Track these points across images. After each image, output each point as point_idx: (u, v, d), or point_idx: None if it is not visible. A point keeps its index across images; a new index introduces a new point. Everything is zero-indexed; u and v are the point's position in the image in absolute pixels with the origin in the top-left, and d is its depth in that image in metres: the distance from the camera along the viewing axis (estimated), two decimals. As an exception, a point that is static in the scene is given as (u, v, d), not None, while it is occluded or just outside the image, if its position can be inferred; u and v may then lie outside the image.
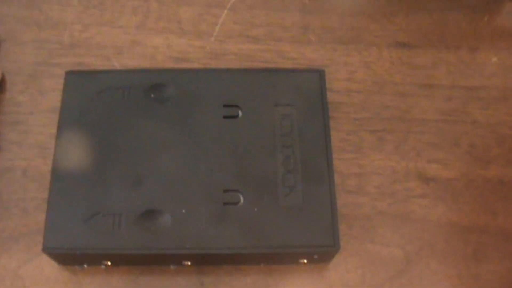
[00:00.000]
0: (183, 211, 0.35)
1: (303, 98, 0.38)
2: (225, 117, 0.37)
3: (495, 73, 0.43)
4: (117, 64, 0.42)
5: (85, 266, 0.36)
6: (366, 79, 0.42)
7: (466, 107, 0.42)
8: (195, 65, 0.42)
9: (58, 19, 0.44)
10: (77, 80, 0.38)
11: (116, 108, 0.38)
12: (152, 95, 0.38)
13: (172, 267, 0.36)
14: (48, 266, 0.36)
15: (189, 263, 0.36)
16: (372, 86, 0.42)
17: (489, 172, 0.40)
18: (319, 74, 0.39)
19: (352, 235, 0.38)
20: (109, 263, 0.36)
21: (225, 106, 0.38)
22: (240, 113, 0.38)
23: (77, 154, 0.36)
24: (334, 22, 0.44)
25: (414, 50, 0.43)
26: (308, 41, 0.43)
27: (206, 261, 0.36)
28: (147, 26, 0.44)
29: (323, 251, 0.35)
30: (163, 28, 0.44)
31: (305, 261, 0.36)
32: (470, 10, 0.45)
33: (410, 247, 0.38)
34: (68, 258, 0.35)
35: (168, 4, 0.44)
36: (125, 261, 0.36)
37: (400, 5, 0.45)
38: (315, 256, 0.36)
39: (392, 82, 0.42)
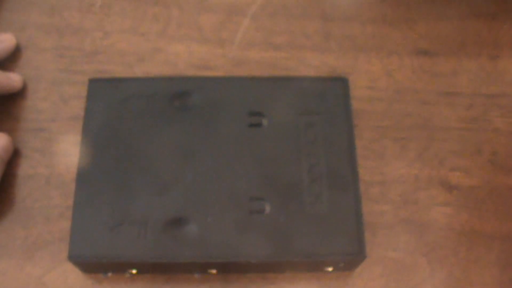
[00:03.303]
0: (209, 219, 0.35)
1: (327, 106, 0.38)
2: (249, 125, 0.37)
3: (516, 81, 0.43)
4: (138, 71, 0.42)
5: (110, 274, 0.36)
6: (387, 87, 0.42)
7: (488, 115, 0.42)
8: (217, 73, 0.42)
9: (79, 26, 0.44)
10: (101, 88, 0.38)
11: (140, 116, 0.38)
12: (176, 103, 0.38)
13: (196, 275, 0.36)
14: (72, 274, 0.37)
15: (214, 271, 0.36)
16: (394, 94, 0.42)
17: (512, 180, 0.40)
18: (343, 83, 0.39)
19: (376, 243, 0.38)
20: (134, 271, 0.36)
21: (249, 114, 0.38)
22: (265, 122, 0.38)
23: (101, 162, 0.36)
24: (355, 30, 0.44)
25: (435, 58, 0.43)
26: (329, 49, 0.43)
27: (231, 269, 0.36)
28: (169, 33, 0.44)
29: (349, 259, 0.35)
30: (184, 36, 0.44)
31: (331, 269, 0.36)
32: (490, 18, 0.45)
33: (433, 255, 0.38)
34: (93, 266, 0.35)
35: (189, 11, 0.45)
36: (150, 269, 0.36)
37: (420, 13, 0.45)
38: (341, 264, 0.36)
39: (413, 90, 0.42)
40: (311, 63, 0.43)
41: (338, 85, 0.39)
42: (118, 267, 0.36)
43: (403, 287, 0.37)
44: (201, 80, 0.39)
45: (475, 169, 0.40)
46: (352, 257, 0.35)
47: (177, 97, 0.38)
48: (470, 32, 0.45)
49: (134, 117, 0.38)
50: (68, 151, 0.40)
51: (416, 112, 0.42)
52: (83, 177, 0.36)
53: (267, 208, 0.35)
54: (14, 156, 0.39)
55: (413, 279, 0.37)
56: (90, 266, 0.36)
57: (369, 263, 0.37)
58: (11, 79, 0.41)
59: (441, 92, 0.42)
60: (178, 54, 0.43)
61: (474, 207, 0.39)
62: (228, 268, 0.36)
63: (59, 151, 0.40)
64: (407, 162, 0.40)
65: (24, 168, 0.39)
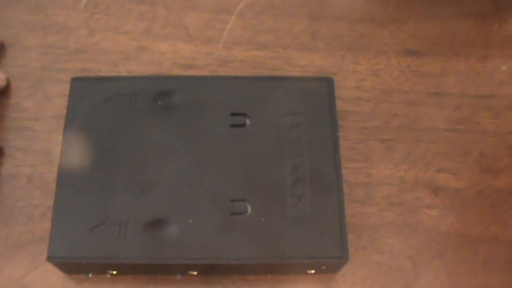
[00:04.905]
0: (190, 220, 0.34)
1: (311, 106, 0.38)
2: (232, 125, 0.37)
3: (505, 82, 0.43)
4: (123, 70, 0.42)
5: (90, 275, 0.36)
6: (374, 87, 0.42)
7: (476, 116, 0.41)
8: (202, 72, 0.42)
9: (64, 24, 0.43)
10: (84, 87, 0.38)
11: (123, 115, 0.37)
12: (160, 103, 0.38)
13: (178, 276, 0.36)
14: (53, 275, 0.36)
15: (195, 273, 0.36)
16: (381, 95, 0.42)
17: (499, 182, 0.39)
18: (328, 83, 0.38)
19: (360, 246, 0.37)
20: (114, 272, 0.36)
21: (232, 114, 0.37)
22: (248, 122, 0.37)
23: (82, 161, 0.36)
24: (343, 29, 0.44)
25: (423, 58, 0.43)
26: (316, 48, 0.43)
27: (212, 271, 0.36)
28: (154, 32, 0.43)
29: (331, 263, 0.34)
30: (170, 34, 0.43)
31: (313, 271, 0.36)
32: (480, 18, 0.45)
33: (419, 257, 0.37)
34: (73, 267, 0.35)
35: (175, 10, 0.44)
36: (131, 270, 0.36)
37: (409, 13, 0.44)
38: (323, 267, 0.35)
39: (401, 91, 0.42)
40: (298, 63, 0.42)
41: (323, 85, 0.38)
42: (98, 268, 0.35)
43: (387, 290, 0.37)
44: (184, 80, 0.39)
45: (462, 171, 0.40)
46: (334, 260, 0.34)
47: (160, 97, 0.38)
48: (459, 32, 0.44)
49: (116, 116, 0.37)
50: (51, 151, 0.39)
51: (403, 113, 0.41)
52: (64, 177, 0.36)
53: (249, 210, 0.35)
54: (-4, 155, 0.39)
55: (398, 282, 0.37)
56: (70, 266, 0.35)
57: (353, 266, 0.37)
58: (-5, 77, 0.40)
59: (429, 92, 0.42)
60: (164, 53, 0.42)
61: (460, 210, 0.39)
62: (209, 270, 0.36)
63: (42, 150, 0.39)
64: (393, 163, 0.40)
65: (6, 167, 0.39)
